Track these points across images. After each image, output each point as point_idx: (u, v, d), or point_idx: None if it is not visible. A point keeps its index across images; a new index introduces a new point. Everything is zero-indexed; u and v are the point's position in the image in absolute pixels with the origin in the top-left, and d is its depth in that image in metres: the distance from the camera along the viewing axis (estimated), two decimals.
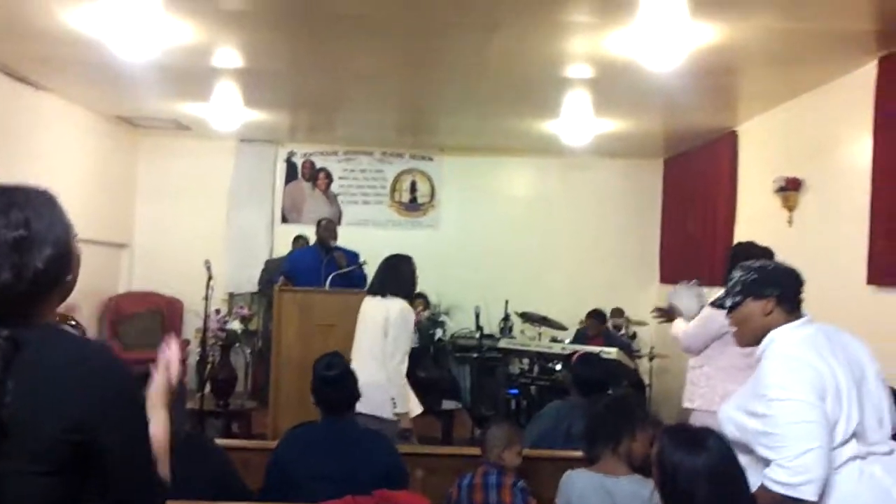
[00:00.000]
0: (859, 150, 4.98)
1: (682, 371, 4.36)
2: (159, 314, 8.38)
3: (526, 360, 7.24)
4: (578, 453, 3.13)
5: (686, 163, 8.38)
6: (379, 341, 4.43)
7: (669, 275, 8.58)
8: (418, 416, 4.64)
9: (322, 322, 5.44)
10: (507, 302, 8.07)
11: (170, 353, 1.90)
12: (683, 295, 4.50)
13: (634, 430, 2.90)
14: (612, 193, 9.13)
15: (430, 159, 9.26)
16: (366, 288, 4.94)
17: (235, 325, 6.40)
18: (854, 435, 2.27)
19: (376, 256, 4.97)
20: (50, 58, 5.74)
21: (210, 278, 6.09)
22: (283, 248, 8.34)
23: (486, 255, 8.85)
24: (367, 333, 4.53)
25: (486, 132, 8.18)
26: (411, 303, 4.67)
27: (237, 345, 6.68)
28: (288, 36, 5.19)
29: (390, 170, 9.26)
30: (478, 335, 7.34)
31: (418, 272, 4.71)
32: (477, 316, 7.25)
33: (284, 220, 9.14)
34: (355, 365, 4.43)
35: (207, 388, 6.25)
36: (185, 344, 8.17)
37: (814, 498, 2.17)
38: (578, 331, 7.56)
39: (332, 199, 9.21)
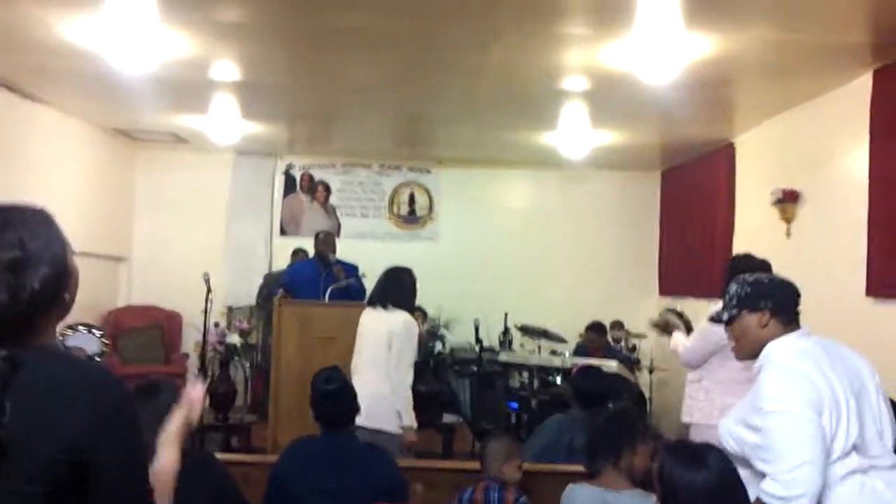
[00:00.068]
0: (856, 162, 4.99)
1: (683, 384, 4.36)
2: (158, 328, 8.37)
3: (526, 374, 7.22)
4: (580, 467, 3.12)
5: (683, 175, 8.40)
6: (382, 354, 4.41)
7: (668, 287, 8.59)
8: (417, 429, 4.63)
9: (322, 335, 5.43)
10: (506, 315, 8.06)
11: (195, 393, 1.92)
12: (669, 318, 4.60)
13: (635, 444, 2.89)
14: (610, 206, 9.14)
15: (428, 172, 9.27)
16: (365, 300, 4.93)
17: (234, 339, 6.40)
18: (854, 448, 2.27)
19: (375, 269, 4.97)
20: (47, 70, 5.75)
21: (209, 291, 6.09)
22: (282, 260, 8.34)
23: (484, 268, 8.85)
24: (369, 346, 4.51)
25: (484, 144, 8.20)
26: (413, 315, 4.67)
27: (236, 358, 6.68)
28: (286, 48, 5.21)
29: (388, 182, 9.28)
30: (477, 348, 7.33)
31: (417, 285, 4.71)
32: (476, 329, 7.23)
33: (283, 232, 9.15)
34: (357, 378, 4.43)
35: (207, 402, 6.23)
36: (186, 358, 8.16)
37: None
38: (578, 344, 7.55)
39: (330, 211, 9.22)
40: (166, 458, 1.63)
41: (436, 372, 7.75)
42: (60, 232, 1.49)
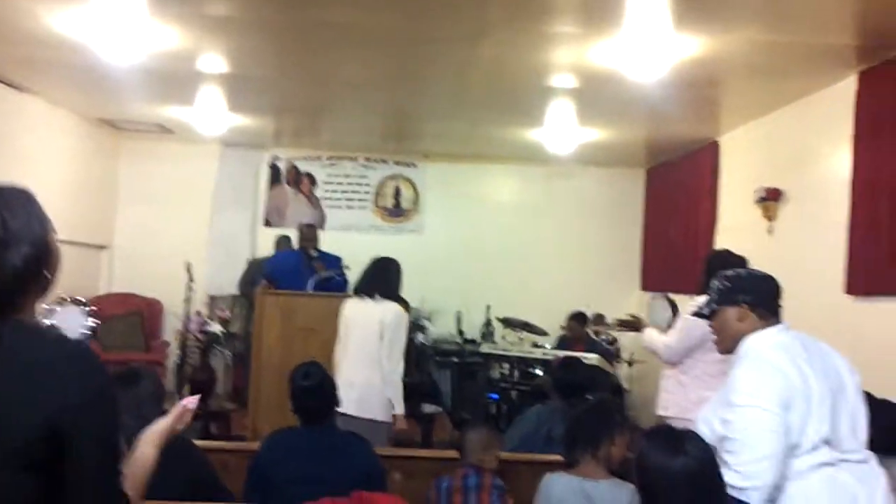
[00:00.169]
0: (839, 162, 5.04)
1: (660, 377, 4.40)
2: (139, 316, 8.33)
3: (507, 365, 7.26)
4: (558, 457, 3.14)
5: (668, 172, 8.44)
6: (374, 344, 4.42)
7: (651, 282, 8.64)
8: None
9: (304, 325, 5.44)
10: (488, 307, 8.09)
11: (189, 405, 1.96)
12: (658, 307, 4.61)
13: (614, 435, 2.91)
14: (595, 201, 9.18)
15: (414, 166, 9.27)
16: (351, 290, 4.94)
17: (216, 328, 6.39)
18: (826, 442, 2.31)
19: (359, 261, 4.98)
20: (34, 60, 5.72)
21: (190, 280, 6.08)
22: (266, 251, 8.31)
23: (468, 261, 8.86)
24: (358, 336, 4.51)
25: (471, 140, 8.20)
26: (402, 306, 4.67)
27: (217, 347, 6.67)
28: (273, 42, 5.19)
29: (374, 175, 9.27)
30: (459, 340, 7.34)
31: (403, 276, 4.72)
32: (458, 320, 7.25)
33: (267, 223, 9.12)
34: (344, 368, 4.44)
35: (186, 390, 6.22)
36: (166, 345, 8.15)
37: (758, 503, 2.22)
38: (560, 337, 7.59)
39: (315, 203, 9.20)
40: (143, 455, 1.63)
41: (417, 362, 7.77)
42: (42, 211, 1.49)
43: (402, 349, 4.49)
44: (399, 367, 4.46)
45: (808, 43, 4.54)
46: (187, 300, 6.10)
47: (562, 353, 6.00)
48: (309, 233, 6.44)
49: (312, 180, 9.20)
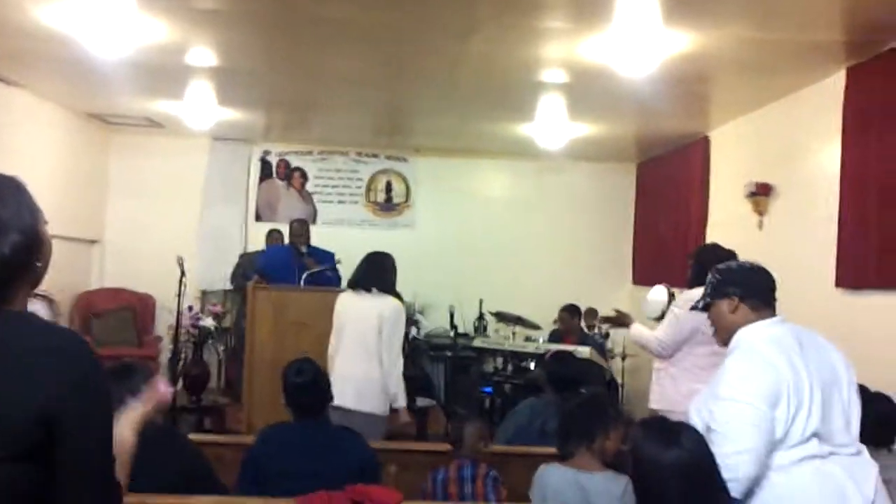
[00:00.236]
0: (828, 157, 5.07)
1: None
2: (131, 310, 8.33)
3: (500, 359, 7.28)
4: (552, 450, 3.17)
5: (659, 167, 8.48)
6: (373, 338, 4.40)
7: (642, 277, 8.67)
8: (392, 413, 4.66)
9: (296, 320, 5.44)
10: (481, 301, 8.11)
11: (165, 393, 1.96)
12: (656, 291, 4.63)
13: (608, 428, 2.93)
14: (586, 196, 9.21)
15: (405, 160, 9.28)
16: (345, 283, 4.93)
17: (208, 322, 6.38)
18: (816, 435, 2.31)
19: (351, 255, 4.98)
20: (22, 54, 5.68)
21: (183, 275, 6.07)
22: (257, 246, 8.33)
23: (461, 256, 8.89)
24: (355, 330, 4.48)
25: (462, 134, 8.21)
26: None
27: (210, 341, 6.66)
28: (263, 36, 5.18)
29: (365, 170, 9.27)
30: (452, 334, 7.34)
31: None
32: (451, 315, 7.26)
33: (259, 218, 9.12)
34: (340, 362, 4.44)
35: (180, 384, 6.23)
36: (159, 341, 8.15)
37: (737, 496, 2.25)
38: (553, 331, 7.62)
39: (306, 198, 9.20)
40: (122, 439, 1.64)
41: (411, 356, 7.79)
42: (32, 200, 1.48)
43: (401, 343, 4.49)
44: (399, 361, 4.44)
45: (796, 39, 4.57)
46: (179, 295, 6.08)
47: (554, 347, 6.02)
48: (299, 229, 6.44)
49: (303, 175, 9.20)
